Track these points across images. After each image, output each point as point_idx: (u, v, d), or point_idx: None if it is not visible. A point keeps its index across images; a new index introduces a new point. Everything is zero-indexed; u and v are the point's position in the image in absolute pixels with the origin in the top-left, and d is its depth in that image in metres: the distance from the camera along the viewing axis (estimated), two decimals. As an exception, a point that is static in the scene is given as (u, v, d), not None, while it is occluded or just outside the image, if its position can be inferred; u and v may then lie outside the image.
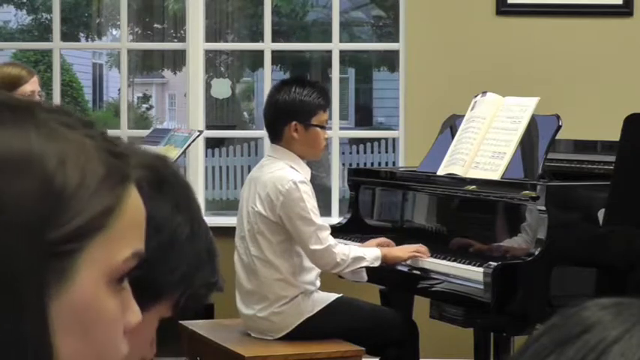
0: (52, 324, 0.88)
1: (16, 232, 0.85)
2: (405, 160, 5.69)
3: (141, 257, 0.94)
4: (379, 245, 4.27)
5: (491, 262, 3.69)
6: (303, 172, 4.15)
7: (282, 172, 4.09)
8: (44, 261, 0.87)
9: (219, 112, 14.64)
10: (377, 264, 4.11)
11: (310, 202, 4.04)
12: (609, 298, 0.86)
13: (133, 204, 0.94)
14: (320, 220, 4.07)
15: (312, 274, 4.16)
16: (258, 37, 11.99)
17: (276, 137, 4.20)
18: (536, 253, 3.67)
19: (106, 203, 0.90)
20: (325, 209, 4.26)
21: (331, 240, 4.05)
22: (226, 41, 13.26)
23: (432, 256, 4.12)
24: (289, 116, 4.15)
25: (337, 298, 4.20)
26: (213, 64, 13.93)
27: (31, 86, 4.59)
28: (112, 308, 0.92)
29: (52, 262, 0.88)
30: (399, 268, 4.19)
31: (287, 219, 4.03)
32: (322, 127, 4.23)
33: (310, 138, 4.18)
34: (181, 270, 1.11)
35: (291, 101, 4.16)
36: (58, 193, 0.88)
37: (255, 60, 13.99)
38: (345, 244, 4.22)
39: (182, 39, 7.99)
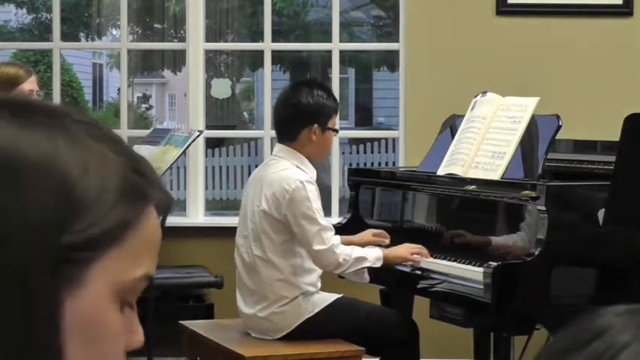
0: (63, 330, 0.89)
1: (33, 232, 0.87)
2: (405, 160, 5.69)
3: (150, 279, 0.95)
4: (375, 236, 4.28)
5: (491, 262, 3.69)
6: (310, 172, 4.15)
7: (288, 171, 4.09)
8: (58, 265, 0.88)
9: (219, 112, 14.63)
10: (379, 264, 4.11)
11: (316, 202, 4.04)
12: (625, 305, 0.85)
13: (150, 225, 0.95)
14: (324, 221, 4.07)
15: (314, 276, 4.16)
16: (258, 37, 11.99)
17: (289, 138, 4.18)
18: (536, 253, 3.66)
19: (122, 217, 0.92)
20: (325, 209, 4.25)
21: (334, 240, 4.05)
22: (226, 41, 13.26)
23: (432, 256, 4.12)
24: (312, 119, 4.15)
25: (337, 299, 4.20)
26: (213, 64, 13.92)
27: (30, 85, 4.58)
28: (116, 323, 0.93)
29: (65, 268, 0.89)
30: (399, 268, 4.19)
31: (292, 218, 4.02)
32: (335, 131, 4.26)
33: (323, 141, 4.19)
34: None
35: (315, 104, 4.16)
36: (77, 201, 0.89)
37: (255, 60, 13.98)
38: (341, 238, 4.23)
39: (182, 39, 7.98)
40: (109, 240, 0.91)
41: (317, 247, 4.01)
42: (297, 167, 4.12)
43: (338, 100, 4.41)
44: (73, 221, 0.89)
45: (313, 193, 4.04)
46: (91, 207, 0.90)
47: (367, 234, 4.34)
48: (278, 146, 4.25)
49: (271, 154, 4.38)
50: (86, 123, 0.94)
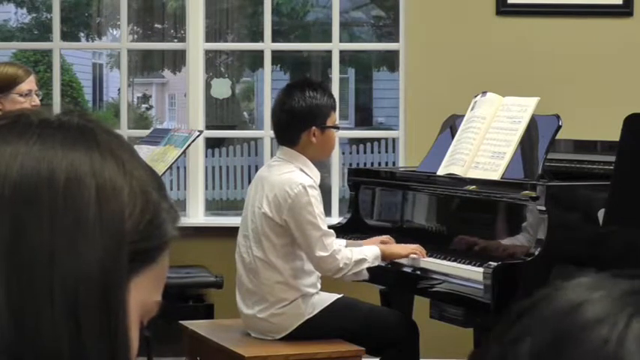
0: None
1: (116, 241, 0.92)
2: (405, 160, 5.69)
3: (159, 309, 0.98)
4: (382, 243, 4.26)
5: (491, 262, 3.69)
6: (314, 175, 4.12)
7: (291, 174, 4.06)
8: (127, 270, 0.92)
9: (219, 112, 14.63)
10: (377, 263, 4.10)
11: (318, 207, 4.02)
12: (587, 278, 0.84)
13: (167, 254, 0.97)
14: (325, 226, 4.05)
15: (313, 277, 4.15)
16: (258, 37, 11.99)
17: (290, 142, 4.15)
18: (536, 253, 3.67)
19: (163, 238, 0.96)
20: (325, 209, 4.24)
21: (335, 246, 4.04)
22: (226, 41, 13.25)
23: (432, 256, 4.12)
24: (308, 122, 4.12)
25: (337, 299, 4.19)
26: (213, 64, 13.92)
27: (28, 85, 4.57)
28: (136, 343, 0.95)
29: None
30: (399, 268, 4.19)
31: (294, 223, 4.01)
32: (336, 128, 4.24)
33: (325, 140, 4.17)
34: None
35: (308, 107, 4.13)
36: (132, 218, 0.93)
37: (255, 60, 13.98)
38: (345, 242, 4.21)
39: (182, 39, 7.98)
40: (150, 257, 0.94)
41: (319, 253, 3.99)
42: (301, 170, 4.10)
43: (334, 96, 4.37)
44: (131, 235, 0.93)
45: (315, 197, 4.02)
46: (139, 223, 0.93)
47: (375, 241, 4.31)
48: (281, 149, 4.21)
49: (272, 155, 4.36)
50: (127, 149, 0.97)
